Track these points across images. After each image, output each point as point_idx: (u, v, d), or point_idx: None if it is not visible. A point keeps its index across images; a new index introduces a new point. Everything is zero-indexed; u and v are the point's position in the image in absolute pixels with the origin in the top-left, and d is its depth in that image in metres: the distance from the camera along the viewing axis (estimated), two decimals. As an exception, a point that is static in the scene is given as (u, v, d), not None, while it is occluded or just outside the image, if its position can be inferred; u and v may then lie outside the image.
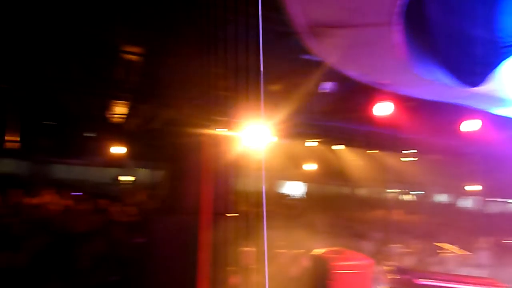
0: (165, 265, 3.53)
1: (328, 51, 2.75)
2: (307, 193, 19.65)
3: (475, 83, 3.35)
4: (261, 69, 5.69)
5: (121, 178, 18.72)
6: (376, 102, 6.72)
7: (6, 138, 12.51)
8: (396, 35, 2.26)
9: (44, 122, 14.06)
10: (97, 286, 5.10)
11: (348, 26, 2.04)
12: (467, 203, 18.85)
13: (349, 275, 3.35)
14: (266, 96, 6.77)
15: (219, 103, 7.00)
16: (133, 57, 6.82)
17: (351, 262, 3.43)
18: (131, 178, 18.74)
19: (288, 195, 18.91)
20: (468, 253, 5.56)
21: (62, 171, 18.86)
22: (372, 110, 6.93)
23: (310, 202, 16.75)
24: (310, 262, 3.71)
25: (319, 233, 9.63)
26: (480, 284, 4.97)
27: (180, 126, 6.50)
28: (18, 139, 13.24)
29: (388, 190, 23.13)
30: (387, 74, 3.15)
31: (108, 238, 6.45)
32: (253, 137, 6.45)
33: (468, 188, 15.80)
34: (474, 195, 16.90)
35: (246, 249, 6.37)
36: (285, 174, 16.54)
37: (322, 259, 3.53)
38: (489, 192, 15.35)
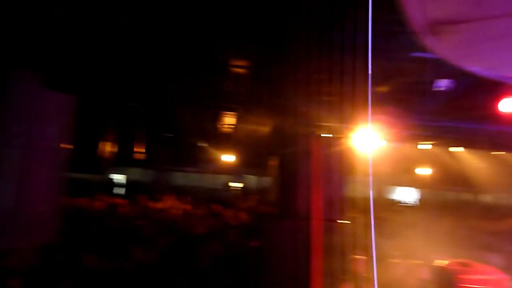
0: (279, 268, 3.64)
1: (449, 48, 2.58)
2: (422, 200, 18.35)
3: None
4: (369, 71, 5.54)
5: (232, 184, 19.84)
6: (501, 98, 6.02)
7: (134, 150, 14.22)
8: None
9: (165, 135, 15.67)
10: (217, 286, 5.47)
11: (473, 20, 1.89)
12: None
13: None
14: (375, 99, 6.57)
15: (326, 109, 7.00)
16: (241, 70, 7.21)
17: (481, 276, 3.11)
18: (242, 184, 19.71)
19: (401, 202, 17.88)
20: None
21: (180, 178, 20.70)
22: (496, 107, 6.22)
23: (426, 209, 15.58)
24: (432, 274, 3.46)
25: (437, 243, 8.89)
26: None
27: (287, 133, 6.66)
28: (144, 150, 14.95)
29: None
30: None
31: (224, 240, 6.87)
32: (361, 141, 6.30)
33: None
34: None
35: (357, 257, 6.21)
36: (398, 179, 15.71)
37: (446, 271, 3.27)
38: None
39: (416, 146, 12.60)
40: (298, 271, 3.66)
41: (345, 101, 7.46)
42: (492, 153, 13.04)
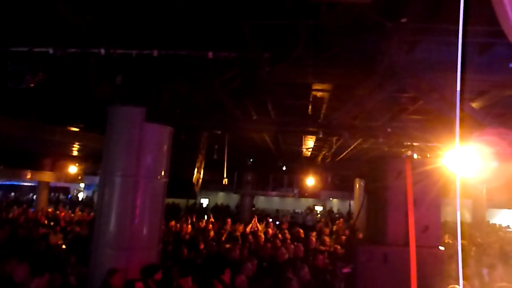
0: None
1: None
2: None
3: None
4: (458, 88, 5.18)
5: (317, 208, 19.64)
6: None
7: (220, 175, 14.84)
8: None
9: (249, 159, 16.16)
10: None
11: None
12: None
13: None
14: (468, 115, 6.13)
15: (417, 128, 6.69)
16: (323, 94, 7.24)
17: None
18: (326, 208, 19.42)
19: (505, 226, 16.10)
20: None
21: (264, 202, 21.03)
22: None
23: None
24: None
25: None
26: None
27: (376, 154, 6.46)
28: (228, 175, 15.54)
29: None
30: None
31: (311, 266, 6.78)
32: (455, 161, 5.87)
33: None
34: None
35: (456, 286, 5.70)
36: (500, 201, 14.25)
37: None
38: None
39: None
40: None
41: (435, 120, 7.07)
42: None
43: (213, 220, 13.27)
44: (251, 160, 15.93)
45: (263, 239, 9.77)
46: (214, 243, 8.69)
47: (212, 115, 6.67)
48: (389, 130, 5.92)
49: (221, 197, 20.91)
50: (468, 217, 14.82)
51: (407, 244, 3.66)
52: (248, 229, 11.35)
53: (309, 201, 20.42)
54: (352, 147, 10.66)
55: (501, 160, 10.38)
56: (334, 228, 12.84)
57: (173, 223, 11.62)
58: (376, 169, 4.22)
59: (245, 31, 4.96)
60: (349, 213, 16.17)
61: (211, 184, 16.83)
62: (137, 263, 5.07)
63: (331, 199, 19.40)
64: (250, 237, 9.89)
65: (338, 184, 16.10)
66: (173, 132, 5.96)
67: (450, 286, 6.11)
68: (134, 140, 5.31)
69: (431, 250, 3.68)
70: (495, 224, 17.32)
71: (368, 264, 3.59)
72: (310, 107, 8.06)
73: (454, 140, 6.04)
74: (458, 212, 5.09)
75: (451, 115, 6.08)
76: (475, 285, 7.35)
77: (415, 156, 4.93)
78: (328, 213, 18.26)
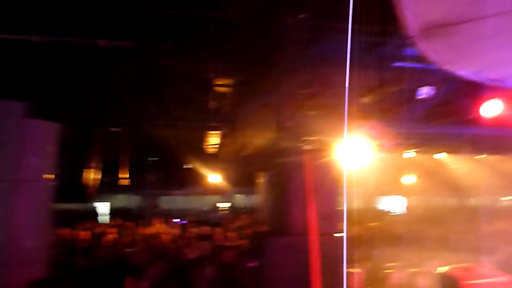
0: (277, 283, 3.53)
1: (441, 51, 2.60)
2: (410, 207, 18.46)
3: None
4: (347, 84, 5.59)
5: (222, 205, 19.59)
6: (483, 102, 6.14)
7: (119, 176, 13.95)
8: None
9: (149, 159, 15.44)
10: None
11: (465, 22, 1.91)
12: None
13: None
14: (360, 110, 6.62)
15: (313, 123, 7.01)
16: (225, 89, 7.19)
17: (486, 280, 3.09)
18: (231, 204, 19.51)
19: (391, 211, 17.94)
20: None
21: (167, 202, 20.33)
22: (479, 111, 6.34)
23: (415, 216, 15.66)
24: (434, 281, 3.42)
25: (430, 249, 8.90)
26: None
27: (275, 149, 6.62)
28: (128, 176, 14.69)
29: (503, 198, 20.70)
30: (505, 67, 2.87)
31: (218, 263, 6.70)
32: (347, 153, 6.30)
33: None
34: None
35: (354, 270, 6.13)
36: (386, 189, 15.79)
37: (448, 277, 3.24)
38: None
39: (402, 155, 12.73)
40: (298, 286, 3.56)
41: (330, 114, 7.50)
42: (475, 157, 13.26)
43: (112, 224, 12.42)
44: (153, 159, 15.27)
45: (167, 240, 9.43)
46: (114, 249, 8.11)
47: (107, 111, 6.17)
48: (289, 123, 6.09)
49: (121, 200, 19.71)
50: (359, 204, 16.19)
51: (307, 232, 3.75)
52: (150, 231, 10.85)
53: (215, 198, 20.34)
54: (255, 142, 10.82)
55: (385, 151, 11.50)
56: (240, 223, 12.96)
57: (67, 230, 10.57)
58: (277, 163, 4.26)
59: (142, 20, 4.64)
60: (255, 208, 16.51)
61: (109, 186, 15.76)
62: (20, 280, 4.41)
63: (236, 195, 19.56)
64: (153, 239, 9.46)
65: (243, 179, 16.24)
66: (61, 129, 5.33)
67: (349, 269, 6.58)
68: (12, 139, 4.60)
69: (330, 237, 3.81)
70: (383, 210, 19.28)
71: (273, 256, 3.60)
72: (212, 102, 7.94)
73: (346, 134, 6.46)
74: (344, 201, 5.41)
75: (342, 110, 6.50)
76: (368, 267, 8.03)
77: (312, 149, 5.11)
78: (234, 209, 18.39)
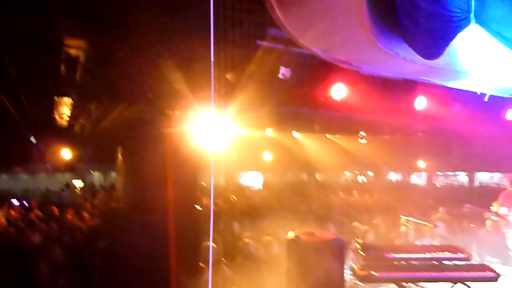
0: (135, 266, 3.31)
1: (294, 23, 2.67)
2: (269, 182, 19.78)
3: (431, 56, 3.43)
4: (212, 59, 5.52)
5: (76, 183, 17.84)
6: (333, 84, 6.79)
7: None
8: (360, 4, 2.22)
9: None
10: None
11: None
12: (420, 179, 19.83)
13: (323, 255, 3.34)
14: (221, 86, 6.63)
15: (173, 97, 6.74)
16: (79, 52, 6.39)
17: (325, 242, 3.42)
18: (86, 183, 17.94)
19: (250, 186, 18.93)
20: (426, 224, 5.82)
21: (8, 181, 17.63)
22: (329, 93, 6.99)
23: (273, 190, 16.85)
24: (284, 246, 3.66)
25: (285, 219, 9.68)
26: (443, 251, 5.20)
27: (133, 122, 6.21)
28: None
29: (347, 173, 23.82)
30: (351, 48, 3.14)
31: (67, 246, 6.06)
32: (208, 129, 6.30)
33: (421, 164, 16.59)
34: (426, 170, 17.79)
35: (213, 243, 6.26)
36: (246, 165, 16.51)
37: (294, 241, 3.49)
38: (440, 166, 16.20)
39: (262, 133, 13.44)
40: (156, 265, 3.39)
41: (191, 89, 7.35)
42: (326, 135, 14.80)
43: None
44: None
45: (3, 225, 8.15)
46: None
47: None
48: (150, 95, 5.74)
49: None
50: (222, 180, 16.66)
51: (165, 209, 3.58)
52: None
53: (67, 177, 18.46)
54: (113, 115, 10.02)
55: (246, 128, 11.91)
56: (96, 202, 12.04)
57: None
58: (134, 137, 3.95)
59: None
60: (112, 186, 15.48)
61: None
62: None
63: (92, 172, 18.09)
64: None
65: (99, 156, 14.99)
66: None
67: (204, 243, 6.70)
68: None
69: (188, 211, 3.72)
70: (244, 184, 20.26)
71: (128, 234, 3.34)
72: (63, 66, 6.98)
73: (209, 109, 6.42)
74: (212, 176, 5.42)
75: (207, 85, 6.43)
76: (227, 238, 8.33)
77: (170, 124, 4.90)
78: (89, 188, 16.99)
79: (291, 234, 3.66)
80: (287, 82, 7.07)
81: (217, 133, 6.37)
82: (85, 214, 9.39)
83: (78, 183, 17.78)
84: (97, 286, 4.09)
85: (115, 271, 3.22)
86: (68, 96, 7.32)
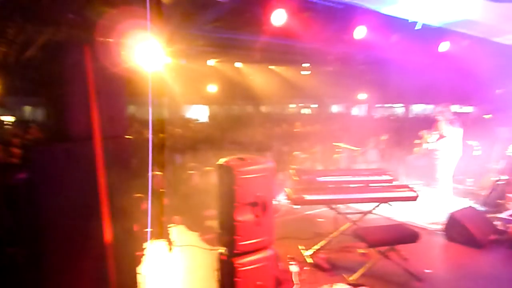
0: (58, 198, 3.17)
1: None
2: (214, 115, 19.67)
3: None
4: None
5: (5, 118, 16.60)
6: (273, 10, 6.52)
7: None
8: None
9: None
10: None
11: None
12: (359, 110, 20.63)
13: (252, 179, 3.40)
14: (157, 10, 6.16)
15: (104, 18, 6.19)
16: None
17: (254, 167, 3.47)
18: (17, 118, 16.76)
19: (195, 119, 18.73)
20: (360, 150, 6.12)
21: None
22: (269, 19, 6.73)
23: (216, 123, 16.82)
24: (216, 172, 3.68)
25: (225, 150, 9.81)
26: (371, 174, 5.54)
27: (57, 44, 5.66)
28: None
29: (289, 105, 24.20)
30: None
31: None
32: (144, 56, 5.93)
33: (359, 96, 17.15)
34: (366, 103, 18.47)
35: (155, 173, 6.22)
36: (191, 98, 16.13)
37: (226, 166, 3.52)
38: (378, 98, 16.84)
39: (204, 63, 13.02)
40: (84, 195, 3.28)
41: (125, 12, 6.78)
42: (268, 66, 14.66)
43: None
44: None
45: None
46: None
47: None
48: (71, 16, 5.21)
49: None
50: (164, 112, 16.25)
51: (91, 136, 3.39)
52: None
53: (-6, 111, 17.11)
54: (40, 43, 9.13)
55: (186, 58, 11.42)
56: (29, 137, 11.35)
57: None
58: (53, 60, 3.59)
59: None
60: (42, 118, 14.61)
61: None
62: None
63: (22, 106, 16.87)
64: None
65: (29, 88, 13.88)
66: None
67: (151, 173, 6.66)
68: None
69: (117, 140, 3.55)
70: (188, 117, 19.99)
71: (48, 165, 3.15)
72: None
73: (145, 35, 5.98)
74: (150, 106, 5.17)
75: (140, 8, 5.93)
76: (170, 169, 8.35)
77: (101, 49, 4.52)
78: (20, 123, 15.93)
79: (222, 160, 3.67)
80: (224, 6, 6.71)
81: (156, 61, 6.03)
82: (15, 150, 8.85)
83: (7, 118, 16.58)
84: (24, 218, 3.94)
85: (38, 204, 3.07)
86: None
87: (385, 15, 5.88)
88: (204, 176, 7.14)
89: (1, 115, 16.57)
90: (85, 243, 3.22)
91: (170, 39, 7.14)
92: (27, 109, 17.45)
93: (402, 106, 19.89)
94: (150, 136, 6.23)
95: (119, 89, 3.77)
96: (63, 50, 3.62)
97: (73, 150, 3.36)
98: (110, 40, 7.67)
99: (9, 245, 4.41)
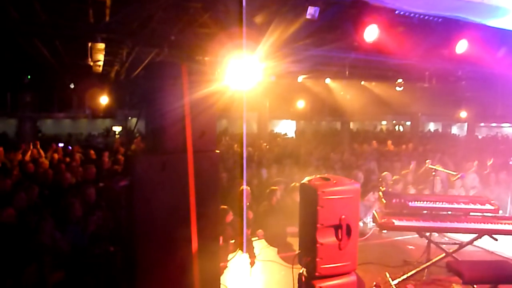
0: (153, 205, 3.42)
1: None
2: (301, 131, 19.70)
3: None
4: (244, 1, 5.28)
5: (115, 128, 18.55)
6: (365, 26, 6.36)
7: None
8: None
9: (25, 77, 13.51)
10: (94, 233, 5.14)
11: None
12: (458, 128, 18.97)
13: (336, 200, 3.30)
14: (250, 30, 6.40)
15: (200, 39, 6.63)
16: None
17: (339, 187, 3.36)
18: (124, 128, 18.63)
19: (283, 134, 18.95)
20: (452, 173, 5.59)
21: (51, 126, 18.60)
22: (362, 36, 6.57)
23: (303, 138, 16.77)
24: (300, 191, 3.66)
25: (311, 167, 9.70)
26: (473, 202, 5.02)
27: (159, 65, 6.16)
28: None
29: (381, 122, 23.21)
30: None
31: (105, 187, 6.41)
32: (237, 74, 6.19)
33: (460, 113, 15.79)
34: (466, 121, 16.93)
35: (241, 187, 6.40)
36: (279, 113, 16.40)
37: (309, 186, 3.47)
38: (480, 116, 15.35)
39: (294, 79, 13.14)
40: (175, 205, 3.50)
41: (219, 33, 7.17)
42: (360, 82, 14.28)
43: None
44: (29, 77, 13.45)
45: (46, 166, 8.69)
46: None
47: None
48: (172, 38, 5.66)
49: (-5, 124, 17.41)
50: (255, 127, 16.77)
51: (184, 150, 3.61)
52: (27, 157, 9.87)
53: (107, 122, 19.22)
54: (146, 62, 10.11)
55: (278, 75, 11.64)
56: (133, 147, 12.52)
57: None
58: (153, 76, 3.90)
59: None
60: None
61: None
62: None
63: (130, 118, 18.68)
64: (30, 165, 8.63)
65: (136, 102, 15.37)
66: None
67: (237, 187, 6.88)
68: None
69: (207, 154, 3.73)
70: (276, 132, 20.30)
71: (145, 174, 3.42)
72: (90, 11, 6.98)
73: (236, 54, 6.25)
74: (244, 122, 5.36)
75: (235, 28, 6.23)
76: (254, 183, 8.51)
77: (197, 69, 4.84)
78: (127, 133, 17.63)
79: (306, 179, 3.63)
80: (317, 22, 6.70)
81: (247, 79, 6.27)
82: (121, 158, 9.81)
83: (117, 129, 18.48)
84: (124, 221, 4.34)
85: (136, 206, 3.35)
86: (97, 42, 7.36)
87: (491, 27, 5.36)
88: (289, 191, 7.14)
89: (113, 126, 18.58)
90: (173, 250, 3.42)
91: (264, 57, 7.34)
92: (133, 121, 19.24)
93: (510, 126, 17.86)
94: (244, 152, 6.47)
95: (211, 105, 3.96)
96: (162, 68, 3.93)
97: (168, 162, 3.60)
98: (206, 58, 8.17)
99: (111, 244, 4.89)
